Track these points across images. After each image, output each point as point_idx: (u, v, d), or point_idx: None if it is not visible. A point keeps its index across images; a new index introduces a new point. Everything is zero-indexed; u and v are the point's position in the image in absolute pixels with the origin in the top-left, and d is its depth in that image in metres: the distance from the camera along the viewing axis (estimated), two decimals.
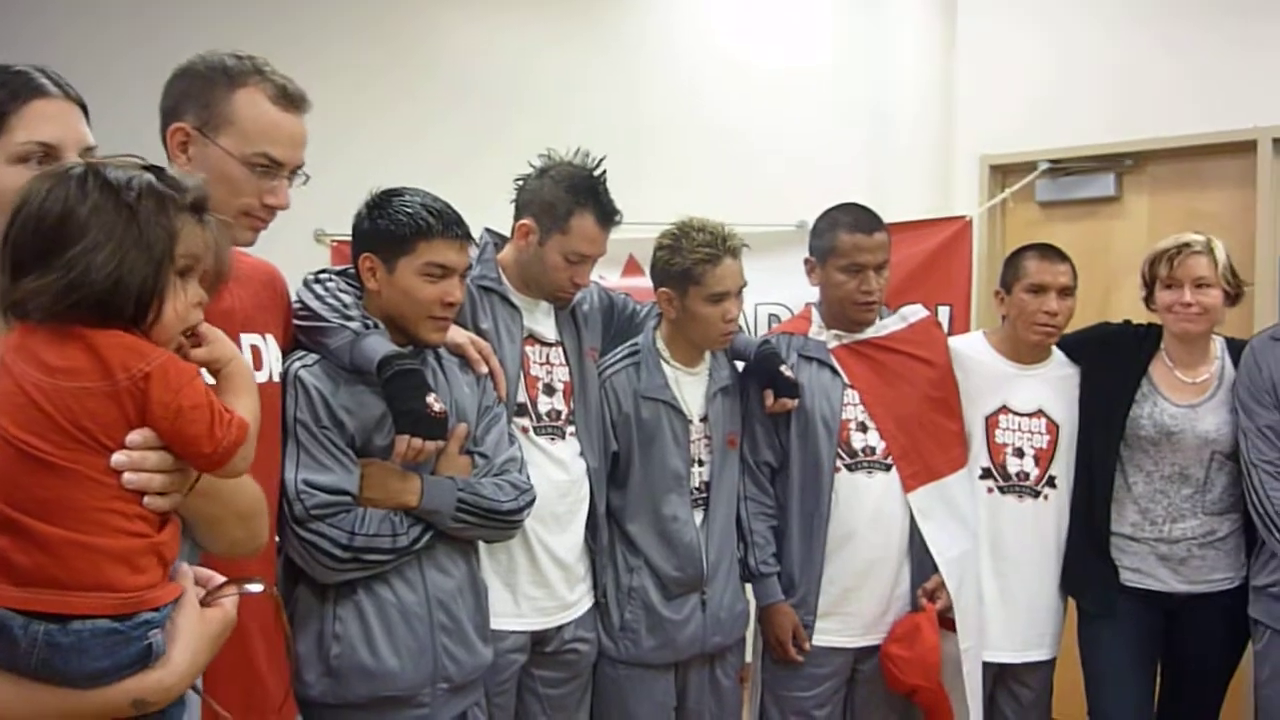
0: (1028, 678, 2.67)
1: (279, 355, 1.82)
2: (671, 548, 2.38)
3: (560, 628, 2.29)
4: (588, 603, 2.36)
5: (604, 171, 2.26)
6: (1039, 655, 2.66)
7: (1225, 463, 2.55)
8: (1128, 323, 2.76)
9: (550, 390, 2.29)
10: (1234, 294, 2.57)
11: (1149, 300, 2.64)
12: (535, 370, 2.28)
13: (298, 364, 1.87)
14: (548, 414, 2.28)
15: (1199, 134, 3.69)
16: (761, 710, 2.61)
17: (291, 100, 1.66)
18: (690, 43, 4.22)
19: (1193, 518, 2.55)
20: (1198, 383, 2.60)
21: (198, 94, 1.62)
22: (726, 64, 4.20)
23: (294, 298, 1.94)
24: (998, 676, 2.66)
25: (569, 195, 2.21)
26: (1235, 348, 2.62)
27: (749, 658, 2.64)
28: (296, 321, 1.92)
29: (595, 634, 2.38)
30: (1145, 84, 3.80)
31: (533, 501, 2.07)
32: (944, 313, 3.67)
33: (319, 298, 1.93)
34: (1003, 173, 4.16)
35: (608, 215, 2.24)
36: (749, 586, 2.56)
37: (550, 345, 2.32)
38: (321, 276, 2.00)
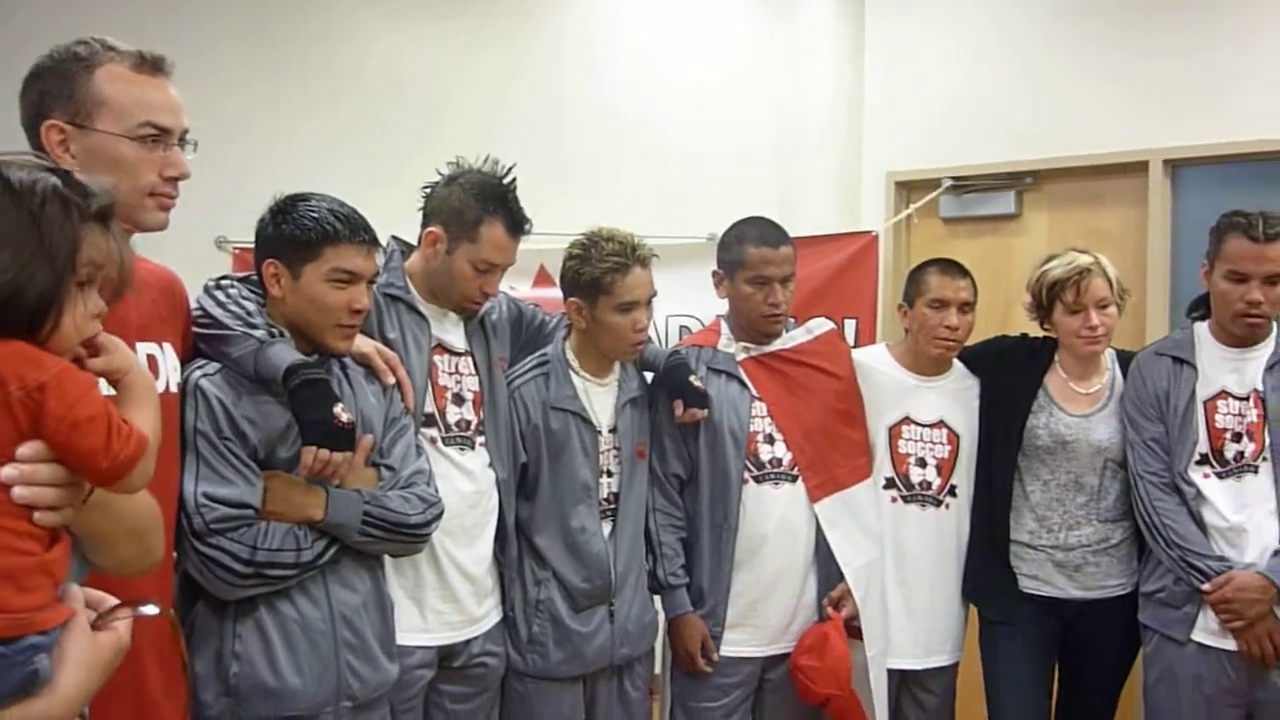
0: (931, 683, 2.73)
1: (177, 365, 1.77)
2: (579, 559, 2.37)
3: (468, 642, 2.27)
4: (496, 616, 2.34)
5: (514, 180, 2.25)
6: (941, 661, 2.72)
7: (1118, 471, 2.63)
8: (1024, 336, 2.84)
9: (459, 400, 2.27)
10: (1122, 304, 2.67)
11: (1044, 321, 2.72)
12: (444, 380, 2.25)
13: (198, 373, 1.82)
14: (457, 424, 2.25)
15: (1095, 154, 3.83)
16: None
17: (153, 65, 1.62)
18: (605, 58, 4.23)
19: (1087, 525, 2.63)
20: (1091, 393, 2.68)
21: (57, 89, 1.56)
22: (640, 79, 4.23)
23: (194, 305, 1.89)
24: (901, 682, 2.71)
25: (478, 203, 2.19)
26: (1124, 359, 2.72)
27: (658, 669, 2.64)
28: (196, 329, 1.87)
29: (503, 648, 2.35)
30: (1045, 106, 3.93)
31: (441, 514, 2.04)
32: (850, 326, 3.74)
33: (221, 305, 1.88)
34: (908, 189, 4.25)
35: (517, 224, 2.23)
36: (658, 598, 2.57)
37: (459, 355, 2.29)
38: (223, 283, 1.95)
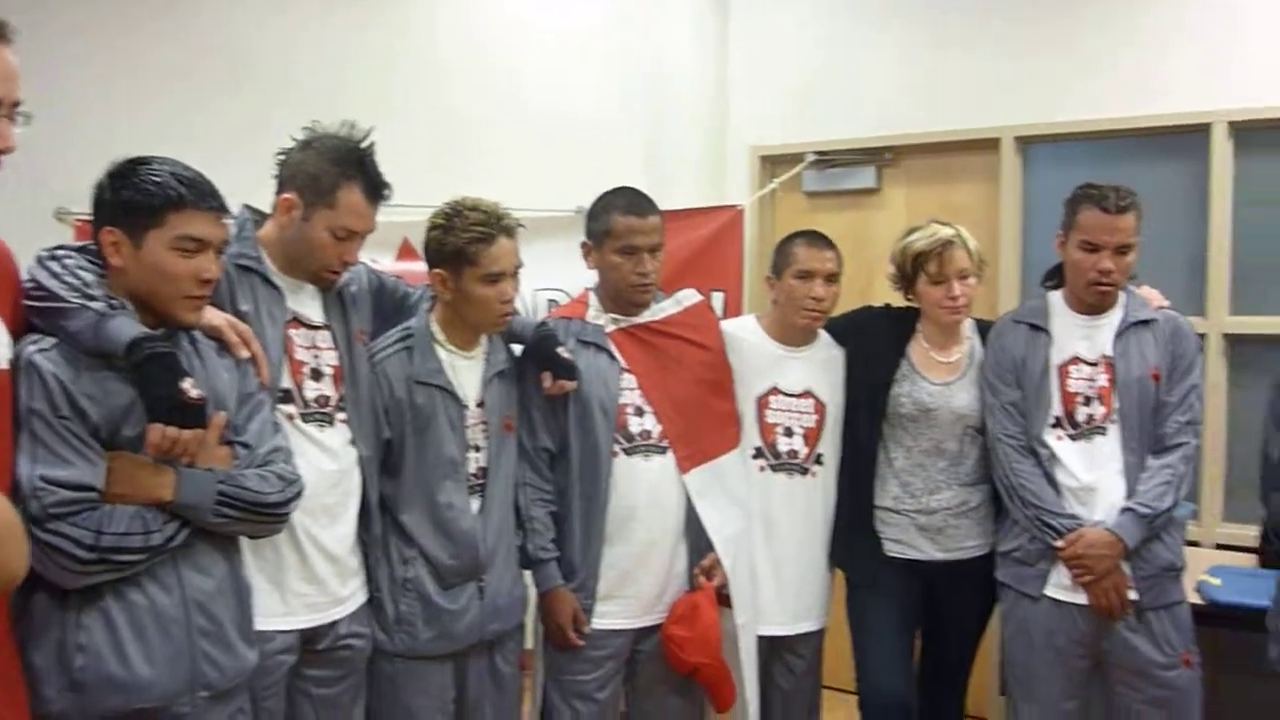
0: (800, 648, 2.77)
1: (8, 340, 1.66)
2: (448, 536, 2.32)
3: (333, 624, 2.19)
4: (361, 597, 2.27)
5: (371, 143, 2.17)
6: (809, 626, 2.77)
7: (977, 436, 2.72)
8: (888, 306, 2.90)
9: (317, 375, 2.18)
10: (981, 275, 2.75)
11: (908, 291, 2.78)
12: (300, 354, 2.16)
13: (32, 348, 1.70)
14: (315, 400, 2.17)
15: (950, 131, 3.94)
16: (544, 696, 2.60)
17: None
18: (468, 30, 4.15)
19: (948, 489, 2.71)
20: (951, 362, 2.76)
21: None
22: (505, 51, 4.16)
23: (25, 276, 1.76)
24: (771, 648, 2.75)
25: (335, 167, 2.10)
26: (983, 328, 2.80)
27: (530, 644, 2.61)
28: (29, 302, 1.74)
29: (369, 629, 2.28)
30: (903, 83, 4.03)
31: (300, 493, 1.96)
32: (718, 298, 3.76)
33: (55, 275, 1.76)
34: (772, 163, 4.30)
35: (376, 188, 2.15)
36: (528, 572, 2.53)
37: (316, 328, 2.20)
38: (58, 253, 1.82)
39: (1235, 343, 3.56)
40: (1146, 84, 3.63)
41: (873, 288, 3.51)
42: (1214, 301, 3.55)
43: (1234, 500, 3.51)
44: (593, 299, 2.63)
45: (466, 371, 2.40)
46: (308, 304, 2.20)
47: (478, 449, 2.39)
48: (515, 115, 4.10)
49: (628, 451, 2.54)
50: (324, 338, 2.21)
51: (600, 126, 4.20)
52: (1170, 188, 3.64)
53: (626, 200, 2.56)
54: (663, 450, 2.56)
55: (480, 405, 2.41)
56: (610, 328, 2.59)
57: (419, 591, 2.30)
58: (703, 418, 2.62)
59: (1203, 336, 3.50)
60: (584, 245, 2.62)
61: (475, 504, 2.38)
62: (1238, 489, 3.47)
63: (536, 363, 2.49)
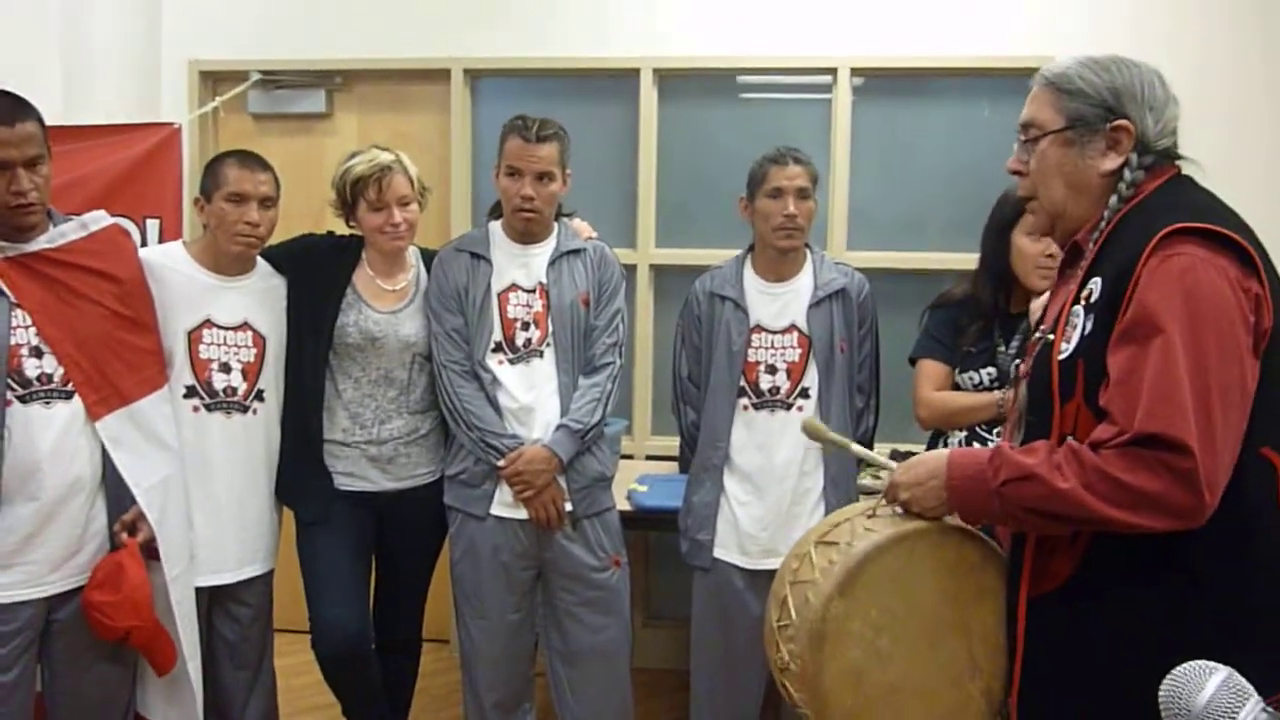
0: (245, 595, 2.64)
1: None
2: None
3: None
4: None
5: None
6: (255, 570, 2.64)
7: (425, 364, 2.74)
8: (330, 234, 2.83)
9: None
10: (424, 202, 2.75)
11: (349, 218, 2.72)
12: None
13: None
14: None
15: (402, 59, 3.90)
16: None
17: None
18: None
19: (399, 418, 2.71)
20: (397, 290, 2.74)
21: None
22: None
23: None
24: (213, 598, 2.59)
25: None
26: (428, 256, 2.82)
27: None
28: None
29: None
30: (354, 7, 3.90)
31: None
32: (153, 226, 3.41)
33: None
34: (214, 80, 3.99)
35: None
36: None
37: None
38: None
39: (660, 272, 3.93)
40: (589, 28, 3.83)
41: (325, 217, 3.38)
42: (643, 235, 3.88)
43: (660, 415, 3.91)
44: None
45: None
46: None
47: None
48: None
49: (24, 399, 2.20)
50: None
51: (5, 29, 3.60)
52: (608, 128, 3.90)
53: None
54: (68, 395, 2.25)
55: None
56: None
57: None
58: (115, 357, 2.33)
59: (634, 267, 3.84)
60: None
61: None
62: (663, 404, 3.85)
63: None
